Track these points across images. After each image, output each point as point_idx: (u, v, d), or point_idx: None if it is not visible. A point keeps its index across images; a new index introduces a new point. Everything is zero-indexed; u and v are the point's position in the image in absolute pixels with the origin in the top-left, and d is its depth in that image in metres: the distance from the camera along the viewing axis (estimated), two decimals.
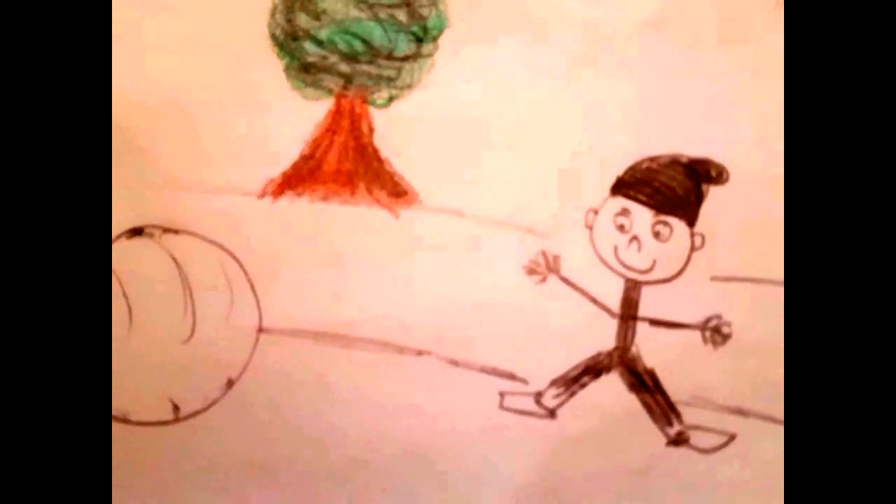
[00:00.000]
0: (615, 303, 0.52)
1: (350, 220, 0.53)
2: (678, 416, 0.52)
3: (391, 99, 0.53)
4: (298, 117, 0.52)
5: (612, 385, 0.53)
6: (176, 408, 0.53)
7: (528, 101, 0.52)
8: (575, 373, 0.53)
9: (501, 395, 0.53)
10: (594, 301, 0.52)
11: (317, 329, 0.53)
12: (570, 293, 0.52)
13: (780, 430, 0.51)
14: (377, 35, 0.52)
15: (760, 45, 0.51)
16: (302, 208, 0.53)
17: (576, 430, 0.53)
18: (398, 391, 0.53)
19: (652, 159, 0.52)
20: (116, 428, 0.52)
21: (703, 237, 0.51)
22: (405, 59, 0.52)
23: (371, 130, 0.53)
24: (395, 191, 0.53)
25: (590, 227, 0.52)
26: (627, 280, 0.52)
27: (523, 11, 0.52)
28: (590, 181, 0.52)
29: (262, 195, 0.53)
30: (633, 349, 0.52)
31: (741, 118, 0.51)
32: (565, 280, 0.52)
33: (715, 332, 0.52)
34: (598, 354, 0.53)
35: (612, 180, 0.52)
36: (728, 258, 0.52)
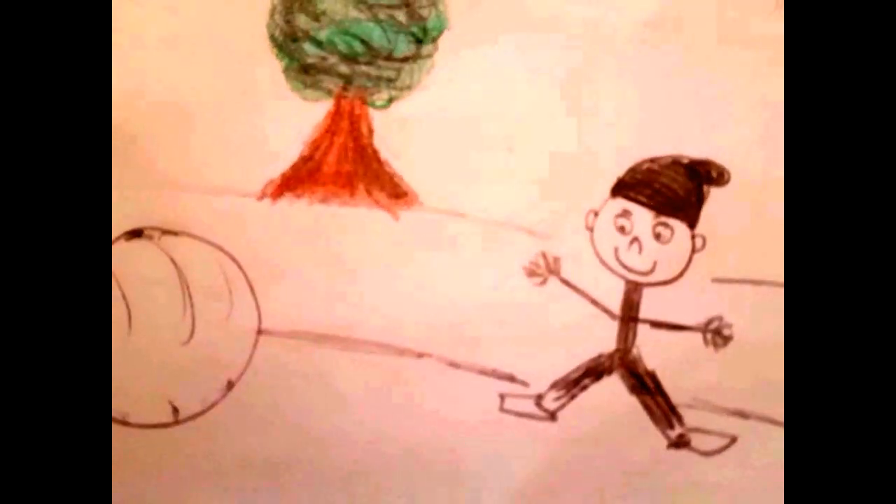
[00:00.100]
0: (616, 304, 0.52)
1: (350, 221, 0.53)
2: (679, 418, 0.52)
3: (391, 100, 0.53)
4: (298, 118, 0.52)
5: (612, 387, 0.53)
6: (175, 410, 0.53)
7: (528, 102, 0.52)
8: (575, 375, 0.53)
9: (502, 397, 0.53)
10: (595, 303, 0.52)
11: (316, 331, 0.53)
12: (571, 295, 0.52)
13: (781, 432, 0.51)
14: (377, 36, 0.52)
15: (761, 45, 0.51)
16: (301, 210, 0.53)
17: (576, 432, 0.53)
18: (398, 393, 0.53)
19: (652, 160, 0.52)
20: (116, 430, 0.52)
21: (703, 239, 0.51)
22: (405, 60, 0.52)
23: (371, 132, 0.53)
24: (395, 192, 0.53)
25: (590, 229, 0.52)
26: (628, 282, 0.52)
27: (523, 12, 0.51)
28: (590, 182, 0.52)
29: (262, 197, 0.53)
30: (634, 351, 0.52)
31: (741, 119, 0.51)
32: (566, 282, 0.52)
33: (716, 334, 0.52)
34: (599, 356, 0.52)
35: (612, 181, 0.52)
36: (729, 260, 0.51)
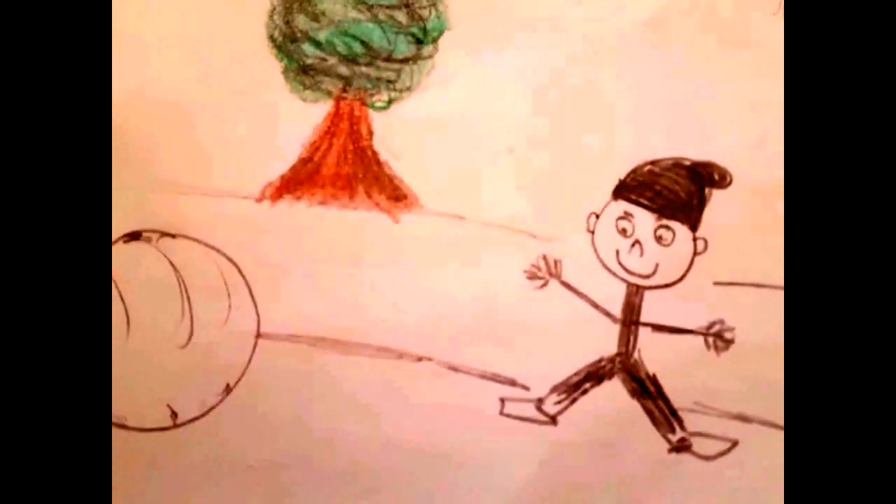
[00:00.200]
0: (617, 308, 0.52)
1: (349, 224, 0.53)
2: (680, 422, 0.52)
3: (390, 101, 0.52)
4: (297, 120, 0.52)
5: (613, 391, 0.52)
6: (174, 414, 0.53)
7: (528, 104, 0.52)
8: (576, 379, 0.52)
9: (502, 401, 0.53)
10: (596, 306, 0.52)
11: (316, 334, 0.53)
12: (572, 298, 0.52)
13: (782, 435, 0.51)
14: (376, 37, 0.52)
15: (761, 47, 0.51)
16: (300, 212, 0.52)
17: (577, 436, 0.53)
18: (398, 397, 0.53)
19: (654, 162, 0.51)
20: (114, 434, 0.52)
21: (705, 241, 0.51)
22: (405, 61, 0.52)
23: (370, 133, 0.53)
24: (395, 194, 0.53)
25: (591, 231, 0.52)
26: (629, 285, 0.52)
27: (523, 12, 0.51)
28: (591, 184, 0.52)
29: (261, 199, 0.53)
30: (635, 355, 0.52)
31: (742, 121, 0.51)
32: (566, 285, 0.52)
33: (718, 338, 0.51)
34: (600, 360, 0.52)
35: (613, 183, 0.52)
36: (731, 263, 0.51)
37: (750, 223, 0.51)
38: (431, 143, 0.52)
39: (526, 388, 0.53)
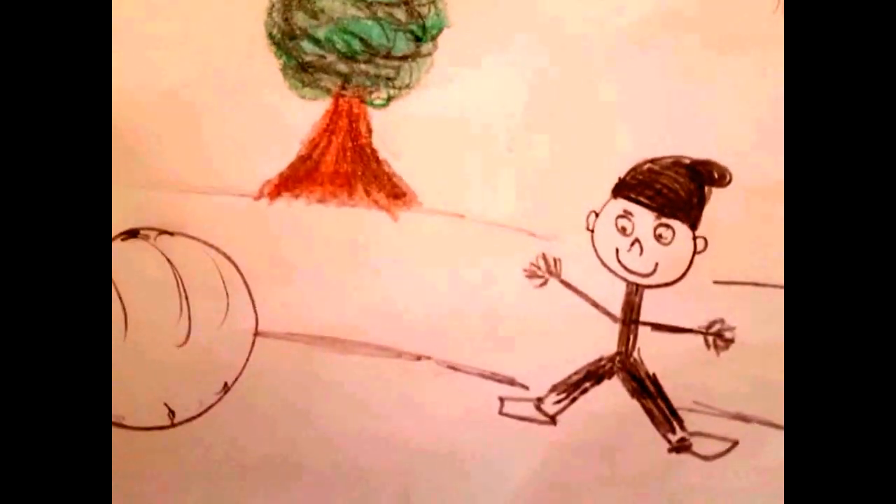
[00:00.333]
0: (617, 307, 0.52)
1: (348, 222, 0.52)
2: (680, 422, 0.52)
3: (390, 99, 0.52)
4: (295, 117, 0.52)
5: (613, 391, 0.52)
6: (172, 412, 0.53)
7: (528, 102, 0.52)
8: (576, 378, 0.52)
9: (501, 400, 0.53)
10: (595, 305, 0.52)
11: (314, 333, 0.53)
12: (571, 297, 0.52)
13: (782, 435, 0.51)
14: (375, 34, 0.52)
15: (761, 47, 0.50)
16: (299, 210, 0.52)
17: (577, 436, 0.53)
18: (396, 396, 0.53)
19: (654, 161, 0.51)
20: (112, 433, 0.52)
21: (705, 240, 0.51)
22: (404, 58, 0.52)
23: (369, 131, 0.52)
24: (394, 192, 0.52)
25: (591, 230, 0.52)
26: (629, 283, 0.52)
27: (523, 11, 0.51)
28: (591, 183, 0.52)
29: (259, 196, 0.52)
30: (635, 354, 0.52)
31: (742, 120, 0.51)
32: (566, 284, 0.52)
33: (718, 337, 0.51)
34: (600, 359, 0.52)
35: (613, 182, 0.52)
36: (731, 262, 0.51)
37: (750, 222, 0.51)
38: (430, 141, 0.52)
39: (525, 387, 0.53)
